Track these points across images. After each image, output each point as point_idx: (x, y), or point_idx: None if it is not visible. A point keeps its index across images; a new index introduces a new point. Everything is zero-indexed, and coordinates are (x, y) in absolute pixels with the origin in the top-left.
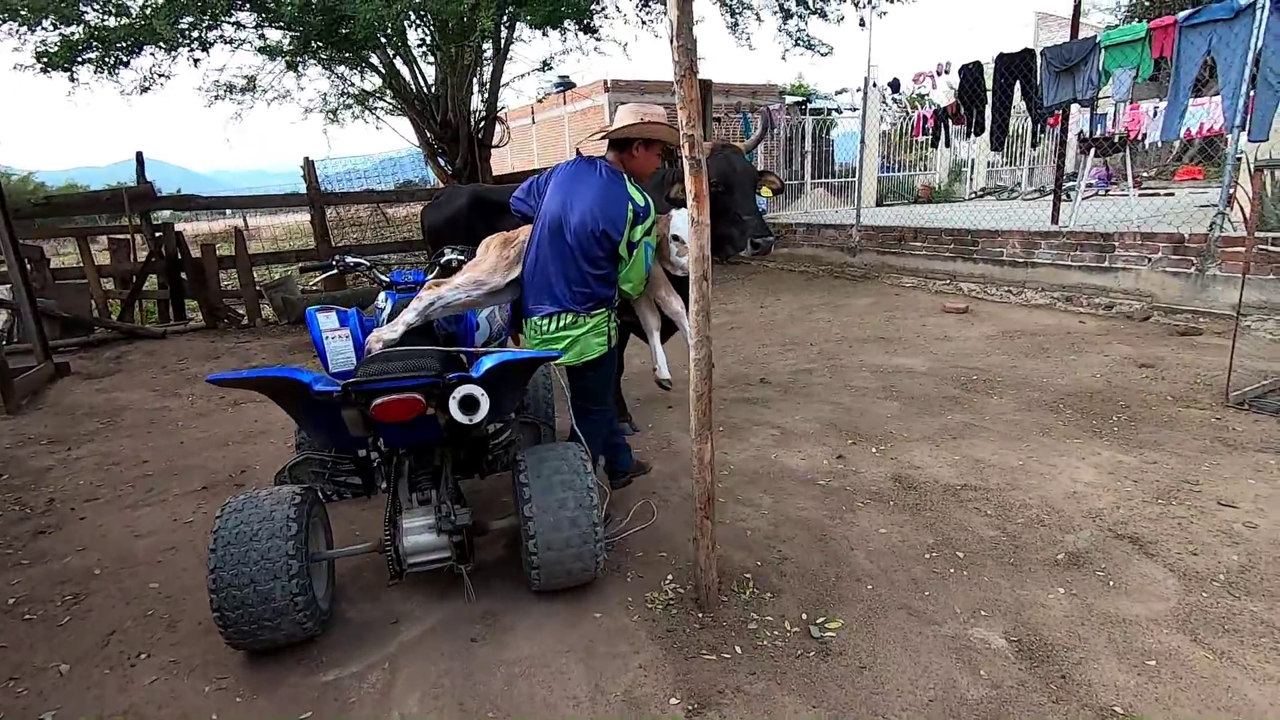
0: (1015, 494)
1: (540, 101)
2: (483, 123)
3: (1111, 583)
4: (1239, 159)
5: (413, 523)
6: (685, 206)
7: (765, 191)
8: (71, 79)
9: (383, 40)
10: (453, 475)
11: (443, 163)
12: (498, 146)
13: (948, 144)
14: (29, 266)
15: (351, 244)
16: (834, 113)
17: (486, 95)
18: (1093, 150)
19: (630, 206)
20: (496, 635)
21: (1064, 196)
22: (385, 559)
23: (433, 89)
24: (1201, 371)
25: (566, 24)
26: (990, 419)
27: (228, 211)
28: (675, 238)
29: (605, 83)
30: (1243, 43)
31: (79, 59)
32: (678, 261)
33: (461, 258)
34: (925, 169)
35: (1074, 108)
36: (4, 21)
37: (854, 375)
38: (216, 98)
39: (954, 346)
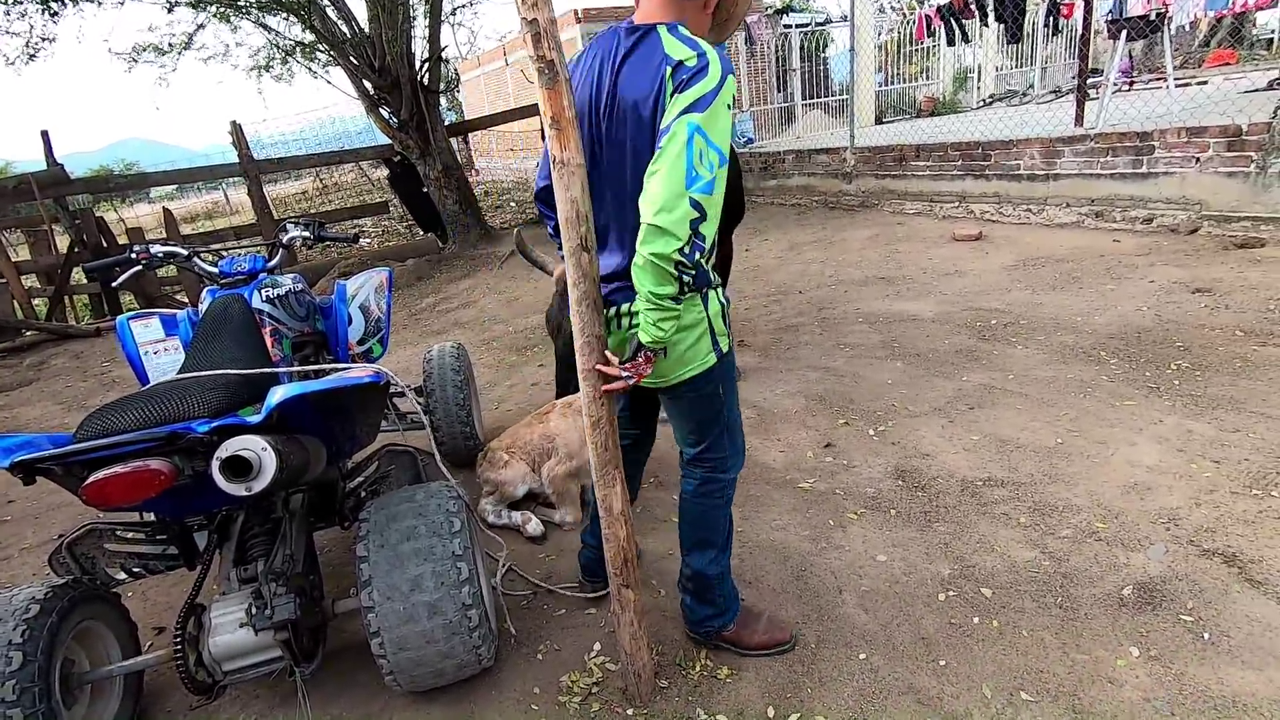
0: (1055, 490)
1: (508, 43)
2: (425, 65)
3: (1206, 635)
4: None
5: (223, 616)
6: None
7: None
8: None
9: None
10: (299, 532)
11: (386, 114)
12: (445, 91)
13: (964, 40)
14: None
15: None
16: (821, 25)
17: (428, 34)
18: (1124, 33)
19: (663, 62)
20: None
21: (1087, 95)
22: (180, 674)
23: (364, 31)
24: (1274, 295)
25: None
26: (1016, 378)
27: (198, 189)
28: None
29: (577, 13)
30: None
31: None
32: None
33: (305, 233)
34: (928, 79)
35: None
36: None
37: (849, 329)
38: (133, 61)
39: (967, 283)
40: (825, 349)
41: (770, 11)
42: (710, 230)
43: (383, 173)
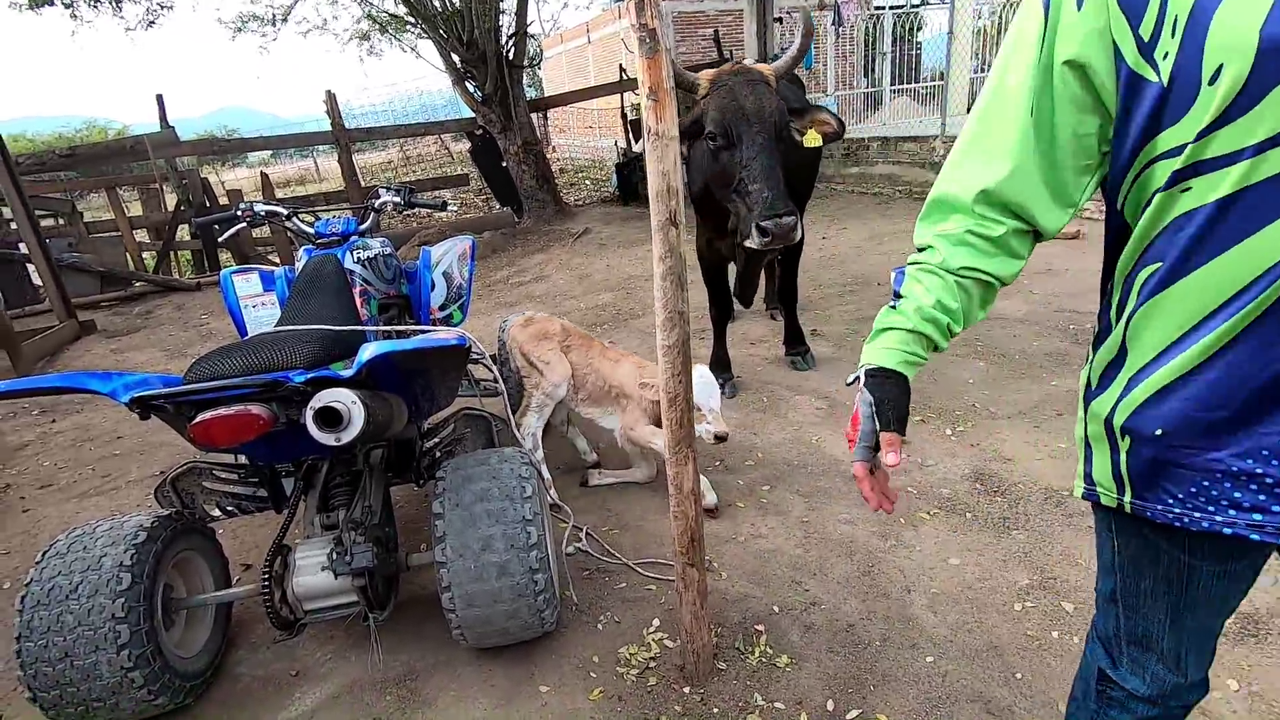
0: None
1: (595, 19)
2: (511, 40)
3: None
4: None
5: (306, 558)
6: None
7: (811, 139)
8: (73, 15)
9: None
10: (378, 485)
11: (471, 88)
12: (529, 66)
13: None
14: (60, 221)
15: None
16: (916, 7)
17: (515, 8)
18: None
19: None
20: (407, 712)
21: None
22: (266, 609)
23: (454, 5)
24: None
25: None
26: None
27: (290, 154)
28: (698, 408)
29: None
30: None
31: None
32: (699, 432)
33: (397, 199)
34: None
35: None
36: None
37: None
38: (238, 30)
39: (1060, 283)
40: None
41: None
42: None
43: (464, 146)
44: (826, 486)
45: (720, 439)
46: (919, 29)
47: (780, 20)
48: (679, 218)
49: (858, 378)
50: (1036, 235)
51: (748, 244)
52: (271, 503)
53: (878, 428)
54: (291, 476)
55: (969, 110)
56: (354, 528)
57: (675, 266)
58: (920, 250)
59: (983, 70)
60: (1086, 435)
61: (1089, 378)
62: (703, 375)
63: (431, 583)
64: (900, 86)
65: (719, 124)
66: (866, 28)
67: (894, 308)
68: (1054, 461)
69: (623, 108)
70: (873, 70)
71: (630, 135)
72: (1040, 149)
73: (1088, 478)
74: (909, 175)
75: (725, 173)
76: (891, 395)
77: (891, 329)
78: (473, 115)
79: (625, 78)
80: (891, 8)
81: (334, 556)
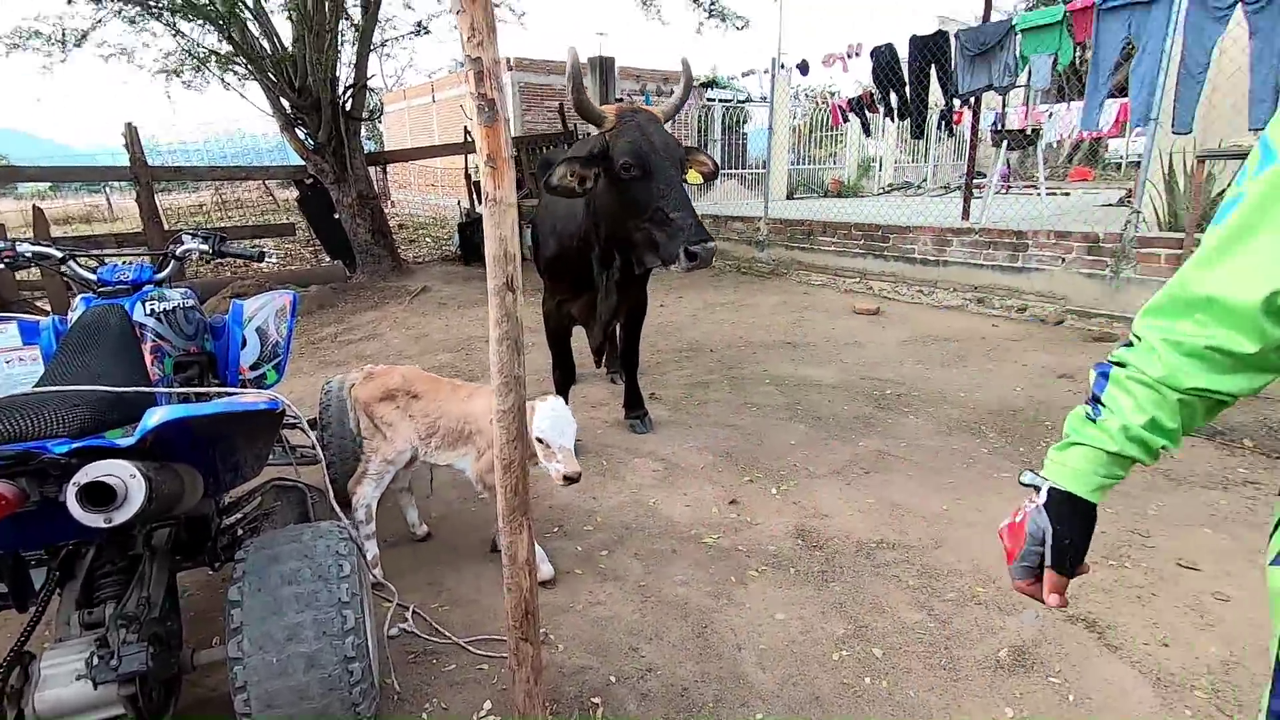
0: (941, 555)
1: (439, 79)
2: (349, 91)
3: (1071, 696)
4: (1159, 153)
5: (56, 666)
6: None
7: (693, 176)
8: None
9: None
10: (161, 572)
11: (302, 135)
12: (368, 119)
13: (868, 133)
14: None
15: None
16: (743, 103)
17: (355, 60)
18: (1005, 143)
19: None
20: None
21: (972, 193)
22: None
23: (286, 49)
24: None
25: None
26: (907, 445)
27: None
28: (539, 440)
29: (509, 61)
30: (1161, 29)
31: None
32: (549, 470)
33: (203, 247)
34: (835, 164)
35: (984, 100)
36: None
37: (756, 389)
38: (15, 47)
39: (866, 354)
40: (733, 407)
41: (696, 84)
42: None
43: (292, 193)
44: (663, 549)
45: (570, 480)
46: (746, 121)
47: (621, 100)
48: (516, 283)
49: (1037, 487)
50: None
51: (673, 268)
52: (12, 599)
53: (1049, 562)
54: (43, 565)
55: (787, 196)
56: (125, 624)
57: (511, 331)
58: (1131, 345)
59: (799, 162)
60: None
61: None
62: (557, 410)
63: (224, 683)
64: (729, 172)
65: (635, 155)
66: (699, 115)
67: (1093, 420)
68: (863, 516)
69: (467, 168)
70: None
71: (474, 196)
72: None
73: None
74: (737, 251)
75: (637, 203)
76: (1075, 532)
77: (1089, 446)
78: (303, 163)
79: (469, 139)
80: (720, 100)
81: (94, 661)
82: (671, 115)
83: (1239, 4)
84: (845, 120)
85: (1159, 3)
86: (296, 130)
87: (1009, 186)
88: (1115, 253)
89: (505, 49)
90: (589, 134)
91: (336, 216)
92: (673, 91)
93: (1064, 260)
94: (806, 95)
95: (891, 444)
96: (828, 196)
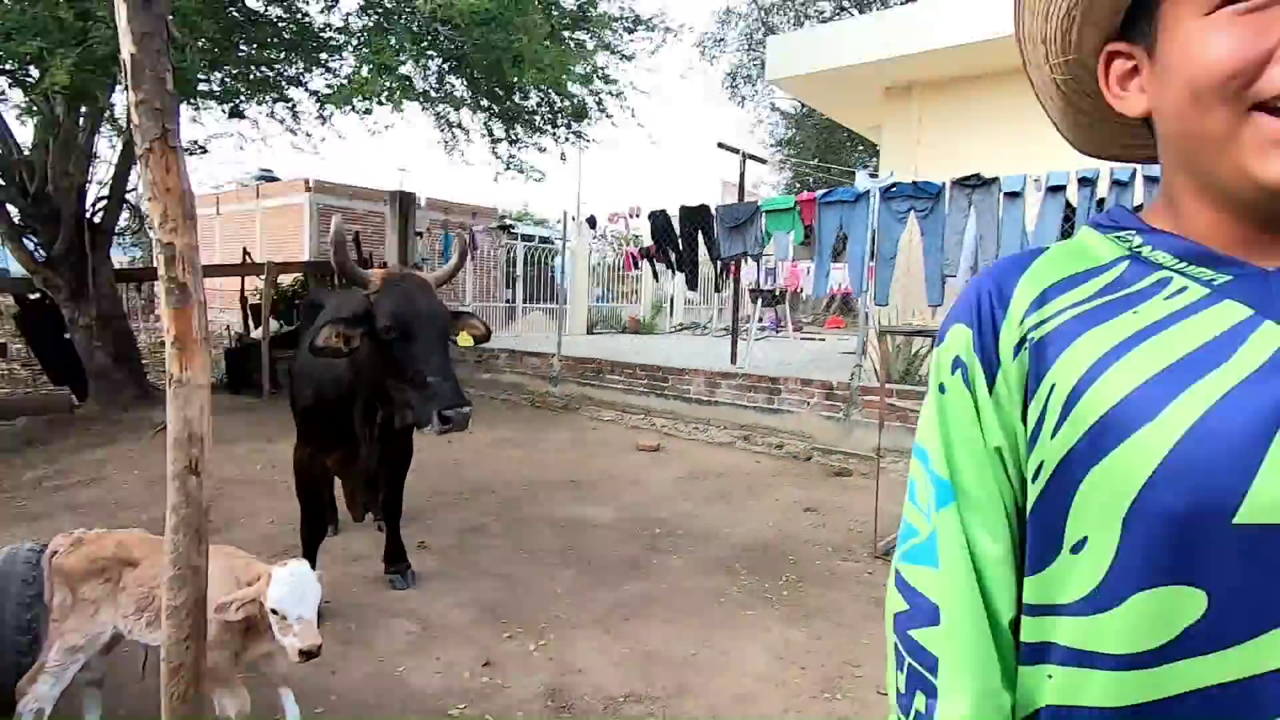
0: (684, 703)
1: (225, 192)
2: (101, 203)
3: None
4: (869, 316)
5: None
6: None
7: (464, 339)
8: None
9: None
10: None
11: (32, 245)
12: (121, 235)
13: (656, 278)
14: None
15: None
16: (545, 242)
17: (113, 172)
18: (759, 300)
19: None
20: None
21: (741, 338)
22: None
23: (22, 152)
24: (854, 516)
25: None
26: (668, 587)
27: None
28: (274, 611)
29: (308, 182)
30: (863, 222)
31: None
32: (284, 645)
33: None
34: (635, 301)
35: (747, 259)
36: None
37: (534, 533)
38: None
39: (643, 492)
40: (506, 553)
41: (494, 226)
42: None
43: (9, 304)
44: None
45: (309, 655)
46: (553, 256)
47: (421, 235)
48: (200, 466)
49: None
50: None
51: (426, 431)
52: None
53: None
54: None
55: (588, 330)
56: None
57: (192, 518)
58: None
59: (603, 298)
60: None
61: None
62: (296, 576)
63: None
64: (534, 305)
65: (396, 319)
66: (506, 253)
67: None
68: (615, 668)
69: (243, 290)
70: (512, 285)
71: (248, 320)
72: None
73: None
74: (532, 385)
75: (397, 364)
76: None
77: None
78: (27, 275)
79: (249, 260)
80: (523, 238)
81: None
82: (444, 281)
83: (911, 211)
84: (637, 266)
85: (860, 204)
86: (25, 240)
87: (778, 331)
88: (845, 398)
89: (304, 170)
90: (384, 263)
91: (68, 336)
92: (482, 225)
93: (809, 404)
94: (601, 238)
95: (653, 587)
96: (626, 332)
